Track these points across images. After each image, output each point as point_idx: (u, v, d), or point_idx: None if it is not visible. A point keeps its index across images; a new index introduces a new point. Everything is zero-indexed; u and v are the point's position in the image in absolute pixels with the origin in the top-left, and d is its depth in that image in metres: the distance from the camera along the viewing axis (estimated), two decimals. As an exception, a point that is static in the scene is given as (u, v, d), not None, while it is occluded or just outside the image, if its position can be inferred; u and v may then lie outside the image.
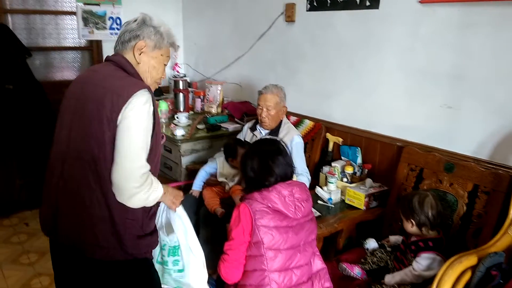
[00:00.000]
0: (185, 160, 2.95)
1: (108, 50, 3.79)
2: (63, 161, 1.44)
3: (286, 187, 1.66)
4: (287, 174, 1.76)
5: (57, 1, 3.51)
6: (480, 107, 2.01)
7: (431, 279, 1.73)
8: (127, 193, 1.35)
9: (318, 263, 1.73)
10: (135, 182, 1.35)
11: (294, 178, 1.91)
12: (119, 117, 1.34)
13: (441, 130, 2.19)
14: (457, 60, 2.08)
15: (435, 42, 2.16)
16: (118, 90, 1.38)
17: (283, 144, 1.81)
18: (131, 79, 1.46)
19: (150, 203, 1.44)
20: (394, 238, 2.05)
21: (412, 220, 1.82)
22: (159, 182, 1.47)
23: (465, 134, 2.09)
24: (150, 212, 1.51)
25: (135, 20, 1.54)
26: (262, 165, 1.67)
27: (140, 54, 1.52)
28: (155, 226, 1.59)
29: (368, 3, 2.45)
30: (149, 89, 1.42)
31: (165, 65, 1.62)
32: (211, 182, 2.59)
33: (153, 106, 1.41)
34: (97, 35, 3.68)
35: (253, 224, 1.57)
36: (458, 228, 2.00)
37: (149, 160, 1.41)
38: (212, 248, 2.33)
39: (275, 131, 2.52)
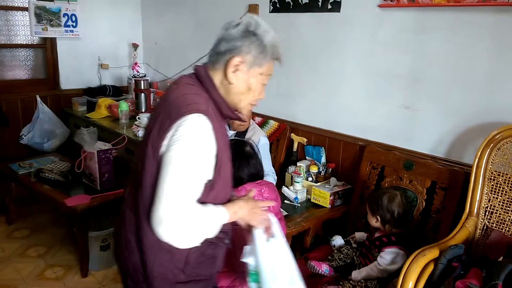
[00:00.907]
0: (148, 162, 2.88)
1: (63, 48, 3.64)
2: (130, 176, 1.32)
3: (255, 187, 1.67)
4: (254, 175, 1.77)
5: (7, -5, 3.33)
6: (436, 107, 2.12)
7: (395, 273, 1.81)
8: (161, 237, 1.10)
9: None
10: (169, 229, 1.08)
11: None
12: (164, 142, 1.12)
13: (400, 129, 2.28)
14: (414, 62, 2.17)
15: (393, 45, 2.25)
16: (171, 108, 1.15)
17: (252, 145, 1.81)
18: (192, 97, 1.18)
19: (207, 236, 1.16)
20: (360, 234, 2.12)
21: (378, 216, 1.89)
22: (219, 208, 1.19)
23: (422, 133, 2.19)
24: (205, 251, 1.24)
25: (237, 25, 1.23)
26: None
27: (234, 72, 1.22)
28: (214, 272, 1.33)
29: (329, 6, 2.51)
30: (207, 113, 1.15)
31: (265, 84, 1.29)
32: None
33: (212, 135, 1.14)
34: (51, 32, 3.51)
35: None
36: (418, 223, 2.09)
37: (211, 196, 1.18)
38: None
39: (242, 132, 2.52)
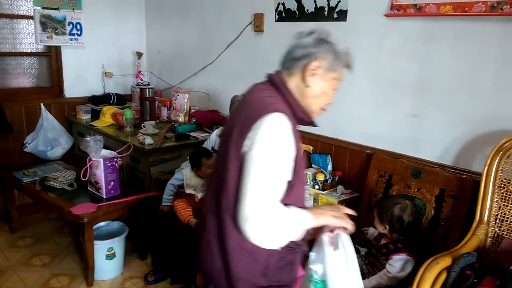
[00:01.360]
0: (154, 170, 2.88)
1: (67, 56, 3.65)
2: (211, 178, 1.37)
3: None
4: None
5: (13, 4, 3.33)
6: (444, 115, 2.13)
7: (404, 280, 1.81)
8: (246, 235, 1.13)
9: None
10: (256, 226, 1.11)
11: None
12: (246, 142, 1.15)
13: (408, 137, 2.29)
14: (421, 71, 2.19)
15: (400, 54, 2.26)
16: (250, 111, 1.19)
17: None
18: (269, 99, 1.23)
19: (292, 238, 1.18)
20: (372, 230, 2.11)
21: (387, 225, 1.89)
22: (304, 211, 1.21)
23: (430, 141, 2.20)
24: (285, 256, 1.25)
25: (310, 33, 1.28)
26: None
27: (312, 76, 1.26)
28: (293, 278, 1.32)
29: (335, 15, 2.53)
30: (286, 113, 1.18)
31: (335, 90, 1.33)
32: (182, 194, 2.55)
33: (292, 135, 1.17)
34: (56, 40, 3.52)
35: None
36: (427, 231, 2.09)
37: (292, 197, 1.20)
38: (187, 260, 2.29)
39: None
